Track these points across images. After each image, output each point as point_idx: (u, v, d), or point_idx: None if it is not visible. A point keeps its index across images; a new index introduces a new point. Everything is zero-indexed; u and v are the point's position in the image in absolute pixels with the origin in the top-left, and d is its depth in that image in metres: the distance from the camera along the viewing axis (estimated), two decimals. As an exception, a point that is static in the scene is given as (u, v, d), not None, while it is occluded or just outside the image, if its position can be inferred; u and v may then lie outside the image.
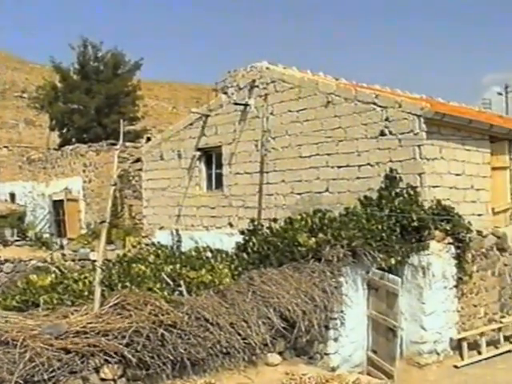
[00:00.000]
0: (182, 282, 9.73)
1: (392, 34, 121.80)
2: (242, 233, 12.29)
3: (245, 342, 8.84)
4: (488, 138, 13.87)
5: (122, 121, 11.31)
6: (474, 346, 12.43)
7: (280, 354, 9.46)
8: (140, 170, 20.85)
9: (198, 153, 17.47)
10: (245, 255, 11.44)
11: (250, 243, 11.60)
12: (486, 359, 12.21)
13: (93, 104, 34.01)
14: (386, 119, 12.66)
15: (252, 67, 15.83)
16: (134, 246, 17.98)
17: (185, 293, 9.43)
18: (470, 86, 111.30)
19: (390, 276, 10.91)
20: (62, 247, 23.58)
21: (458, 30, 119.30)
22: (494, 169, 14.04)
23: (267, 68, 15.51)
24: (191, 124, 17.73)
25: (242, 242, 12.01)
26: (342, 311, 10.50)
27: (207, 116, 17.09)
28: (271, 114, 15.23)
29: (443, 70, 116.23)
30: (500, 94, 52.50)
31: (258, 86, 15.57)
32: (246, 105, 15.78)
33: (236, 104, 15.98)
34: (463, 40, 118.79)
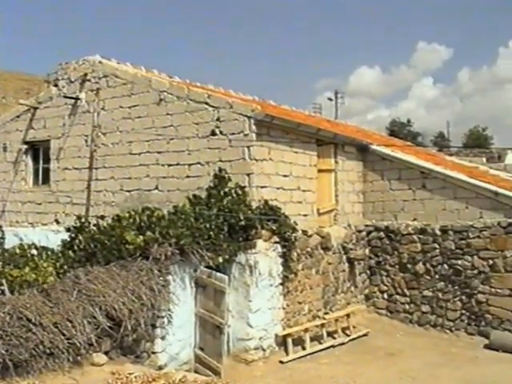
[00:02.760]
0: (3, 281, 9.89)
1: (231, 36, 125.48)
2: (68, 230, 12.57)
3: (69, 342, 9.29)
4: (315, 142, 15.34)
5: None
6: (299, 342, 13.66)
7: (106, 353, 10.02)
8: (-38, 162, 20.24)
9: (25, 146, 17.60)
10: (71, 253, 11.78)
11: (77, 241, 11.97)
12: (310, 354, 13.48)
13: None
14: (218, 119, 13.59)
15: (84, 60, 16.24)
16: (-47, 244, 17.45)
17: (7, 292, 9.64)
18: (306, 91, 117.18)
19: (218, 274, 11.80)
20: None
21: (294, 36, 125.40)
22: (320, 171, 15.57)
23: (100, 62, 15.99)
24: (18, 116, 17.77)
25: (69, 239, 12.33)
26: (169, 309, 11.18)
27: (36, 108, 17.23)
28: (102, 109, 15.72)
29: (281, 73, 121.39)
30: (330, 99, 56.42)
31: (89, 80, 16.01)
32: (76, 98, 16.15)
33: (66, 97, 16.29)
34: (299, 46, 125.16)
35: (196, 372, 11.51)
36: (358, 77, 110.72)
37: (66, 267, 11.22)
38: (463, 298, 15.43)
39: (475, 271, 15.22)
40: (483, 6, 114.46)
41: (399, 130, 63.03)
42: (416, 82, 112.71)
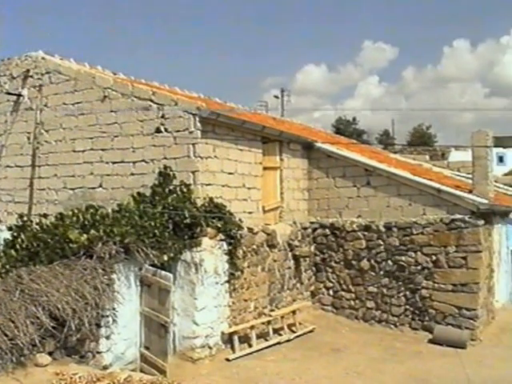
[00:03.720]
0: None
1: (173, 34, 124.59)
2: (10, 229, 12.53)
3: (12, 343, 9.31)
4: (260, 139, 15.60)
5: None
6: (245, 339, 13.91)
7: (50, 354, 10.06)
8: None
9: (-35, 143, 17.27)
10: (13, 252, 11.70)
11: (19, 240, 11.91)
12: (256, 351, 13.71)
13: None
14: (162, 116, 13.71)
15: (27, 56, 16.15)
16: None
17: None
18: (253, 89, 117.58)
19: (163, 272, 11.93)
20: None
21: (242, 33, 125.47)
22: (265, 168, 15.84)
23: (43, 58, 15.90)
24: (-41, 113, 17.42)
25: (11, 238, 12.26)
26: (114, 308, 11.23)
27: (-23, 105, 16.97)
28: (45, 105, 15.66)
29: (228, 71, 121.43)
30: (276, 97, 56.97)
31: (32, 76, 15.92)
32: (18, 95, 16.03)
33: (8, 94, 16.16)
34: (247, 43, 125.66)
35: (141, 371, 11.62)
36: (305, 75, 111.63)
37: (8, 267, 11.18)
38: (407, 293, 15.90)
39: (419, 267, 15.72)
40: (428, 6, 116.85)
41: (345, 128, 64.32)
42: (362, 81, 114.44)
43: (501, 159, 44.62)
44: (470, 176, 17.44)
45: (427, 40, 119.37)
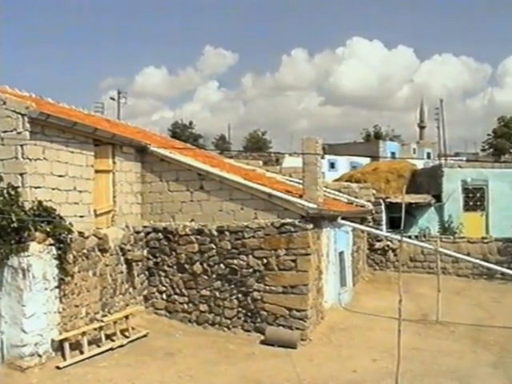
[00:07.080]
0: None
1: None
2: None
3: None
4: (93, 142, 15.85)
5: None
6: (77, 346, 14.06)
7: None
8: None
9: None
10: None
11: None
12: (88, 358, 13.86)
13: None
14: (-16, 116, 13.51)
15: None
16: None
17: None
18: (93, 89, 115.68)
19: (-14, 279, 11.89)
20: None
21: (82, 31, 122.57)
22: (97, 171, 16.08)
23: None
24: None
25: None
26: None
27: None
28: None
29: (70, 71, 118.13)
30: (112, 98, 57.05)
31: None
32: None
33: None
34: (87, 42, 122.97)
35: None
36: (145, 77, 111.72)
37: None
38: (240, 296, 16.68)
39: (250, 270, 16.54)
40: (268, 15, 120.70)
41: (181, 132, 65.43)
42: (201, 85, 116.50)
43: (332, 165, 47.58)
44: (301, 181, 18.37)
45: (266, 48, 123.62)
